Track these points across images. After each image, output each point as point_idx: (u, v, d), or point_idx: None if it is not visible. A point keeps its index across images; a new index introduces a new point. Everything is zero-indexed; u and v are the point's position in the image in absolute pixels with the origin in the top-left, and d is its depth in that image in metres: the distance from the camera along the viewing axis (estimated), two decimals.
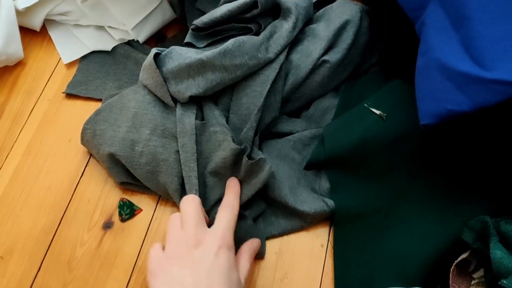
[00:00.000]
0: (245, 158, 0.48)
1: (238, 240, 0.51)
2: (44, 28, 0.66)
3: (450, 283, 0.43)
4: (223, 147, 0.50)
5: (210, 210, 0.52)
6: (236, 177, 0.51)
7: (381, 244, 0.50)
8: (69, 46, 0.64)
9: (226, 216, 0.45)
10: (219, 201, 0.51)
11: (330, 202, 0.52)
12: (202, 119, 0.53)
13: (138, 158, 0.52)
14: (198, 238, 0.42)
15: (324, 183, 0.54)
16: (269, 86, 0.51)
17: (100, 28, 0.64)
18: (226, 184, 0.50)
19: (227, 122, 0.53)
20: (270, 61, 0.52)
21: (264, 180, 0.49)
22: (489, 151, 0.49)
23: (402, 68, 0.55)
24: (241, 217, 0.51)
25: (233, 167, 0.51)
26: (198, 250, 0.42)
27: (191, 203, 0.45)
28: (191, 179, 0.50)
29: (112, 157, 0.53)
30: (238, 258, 0.46)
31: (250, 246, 0.48)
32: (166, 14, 0.63)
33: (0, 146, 0.59)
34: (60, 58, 0.64)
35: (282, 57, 0.52)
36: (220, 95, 0.54)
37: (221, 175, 0.52)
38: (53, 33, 0.66)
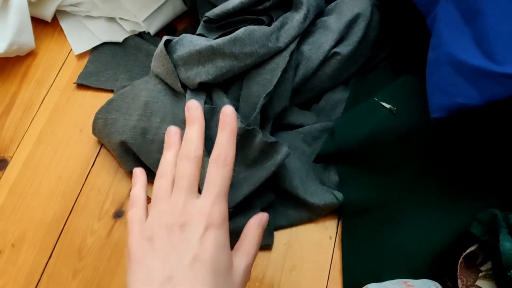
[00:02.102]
0: (261, 138, 0.49)
1: None
2: (55, 19, 0.66)
3: (457, 275, 0.43)
4: None
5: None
6: (243, 164, 0.51)
7: (389, 237, 0.51)
8: (80, 37, 0.65)
9: (217, 178, 0.37)
10: None
11: (339, 195, 0.52)
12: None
13: (149, 146, 0.52)
14: (184, 214, 0.36)
15: (333, 176, 0.54)
16: (279, 74, 0.51)
17: (111, 19, 0.65)
18: (220, 114, 0.40)
19: (237, 111, 0.53)
20: (280, 50, 0.52)
21: (279, 163, 0.48)
22: (498, 146, 0.49)
23: (412, 63, 0.55)
24: (249, 208, 0.52)
25: (239, 150, 0.51)
26: (181, 232, 0.35)
27: (192, 161, 0.38)
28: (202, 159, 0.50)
29: (123, 146, 0.53)
30: (244, 233, 0.40)
31: (258, 222, 0.41)
32: (177, 6, 0.64)
33: (11, 136, 0.59)
34: (71, 49, 0.65)
35: (292, 46, 0.52)
36: (230, 85, 0.54)
37: None
38: (64, 24, 0.66)
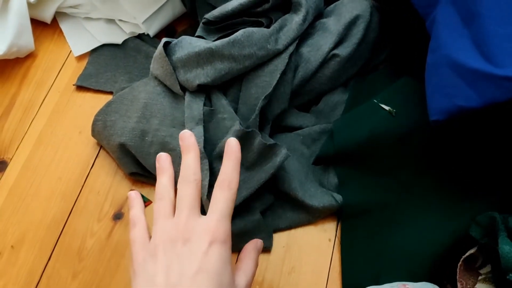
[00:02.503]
0: (260, 140, 0.49)
1: (245, 234, 0.51)
2: (55, 20, 0.66)
3: (457, 278, 0.43)
4: (230, 133, 0.50)
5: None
6: (242, 167, 0.51)
7: (388, 238, 0.51)
8: (80, 39, 0.65)
9: (222, 199, 0.39)
10: None
11: (338, 197, 0.52)
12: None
13: (147, 148, 0.52)
14: (188, 230, 0.37)
15: (332, 178, 0.54)
16: (278, 76, 0.51)
17: (111, 21, 0.65)
18: (225, 146, 0.42)
19: (236, 112, 0.53)
20: (279, 52, 0.52)
21: (278, 165, 0.48)
22: (498, 148, 0.49)
23: (411, 65, 0.55)
24: (249, 210, 0.52)
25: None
26: (185, 246, 0.36)
27: (192, 183, 0.39)
28: (201, 161, 0.49)
29: (122, 148, 0.53)
30: (242, 256, 0.42)
31: (253, 246, 0.43)
32: (176, 8, 0.64)
33: (11, 137, 0.59)
34: (70, 51, 0.65)
35: (291, 48, 0.52)
36: (229, 87, 0.54)
37: None
38: (64, 26, 0.66)
